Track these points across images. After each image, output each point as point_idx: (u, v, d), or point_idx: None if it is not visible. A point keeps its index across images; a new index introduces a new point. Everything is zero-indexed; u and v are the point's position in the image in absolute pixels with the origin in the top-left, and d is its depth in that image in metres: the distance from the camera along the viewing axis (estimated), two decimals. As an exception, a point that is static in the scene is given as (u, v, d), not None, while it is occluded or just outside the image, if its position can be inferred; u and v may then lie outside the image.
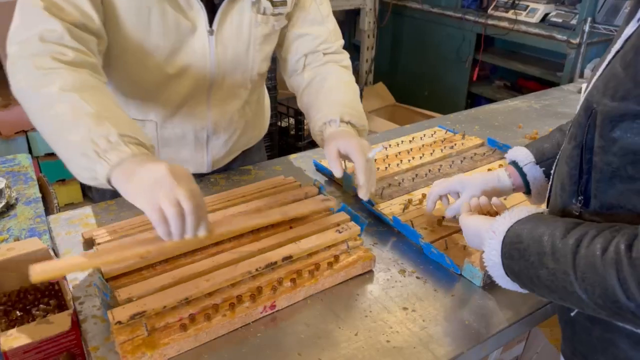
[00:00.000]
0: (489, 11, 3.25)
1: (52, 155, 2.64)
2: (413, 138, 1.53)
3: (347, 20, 4.07)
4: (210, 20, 1.03)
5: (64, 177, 2.70)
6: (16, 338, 0.71)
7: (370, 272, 0.97)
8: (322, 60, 1.19)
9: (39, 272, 0.69)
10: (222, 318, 0.81)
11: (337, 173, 1.00)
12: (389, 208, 1.14)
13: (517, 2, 3.16)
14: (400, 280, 0.96)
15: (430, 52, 3.71)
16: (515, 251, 0.72)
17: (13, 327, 0.77)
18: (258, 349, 0.79)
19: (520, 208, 0.77)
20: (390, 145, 1.47)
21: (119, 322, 0.76)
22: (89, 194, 2.75)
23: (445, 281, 0.96)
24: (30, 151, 2.58)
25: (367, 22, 3.65)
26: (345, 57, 1.23)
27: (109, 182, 0.76)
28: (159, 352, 0.75)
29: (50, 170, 2.58)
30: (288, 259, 0.92)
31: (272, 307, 0.85)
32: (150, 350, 0.74)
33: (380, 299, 0.91)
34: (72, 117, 0.78)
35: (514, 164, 1.04)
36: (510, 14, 3.13)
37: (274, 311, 0.86)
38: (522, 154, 1.03)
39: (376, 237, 1.08)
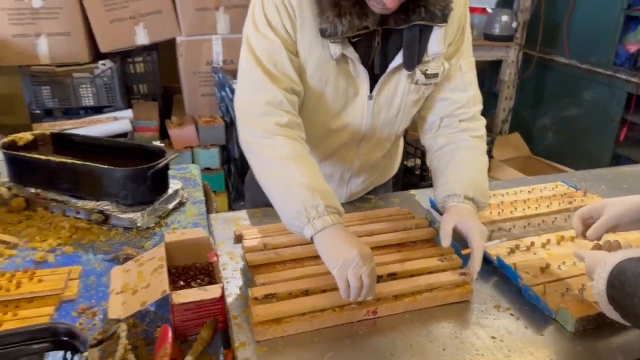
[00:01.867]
0: (644, 70, 3.10)
1: (209, 169, 3.09)
2: (532, 189, 1.57)
3: (489, 69, 4.12)
4: (371, 87, 1.18)
5: (216, 189, 3.14)
6: (183, 296, 0.95)
7: (467, 302, 1.08)
8: (457, 128, 1.25)
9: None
10: (332, 312, 0.98)
11: (445, 244, 1.12)
12: (495, 249, 1.22)
13: (677, 62, 2.97)
14: (494, 314, 1.05)
15: (575, 107, 3.59)
16: (617, 281, 0.82)
17: (179, 291, 1.02)
18: (358, 343, 0.95)
19: (637, 249, 0.86)
20: (507, 192, 1.54)
21: (255, 299, 0.98)
22: (234, 207, 3.15)
23: (538, 322, 1.02)
24: (193, 163, 3.05)
25: (508, 73, 3.68)
26: (480, 126, 1.27)
27: (311, 239, 1.00)
28: (281, 328, 0.95)
29: (207, 182, 3.02)
30: (392, 275, 1.07)
31: (374, 312, 1.01)
32: (275, 325, 0.95)
33: (472, 325, 1.01)
34: (290, 185, 1.02)
35: None
36: (667, 74, 2.95)
37: (375, 317, 1.01)
38: None
39: (479, 274, 1.14)
